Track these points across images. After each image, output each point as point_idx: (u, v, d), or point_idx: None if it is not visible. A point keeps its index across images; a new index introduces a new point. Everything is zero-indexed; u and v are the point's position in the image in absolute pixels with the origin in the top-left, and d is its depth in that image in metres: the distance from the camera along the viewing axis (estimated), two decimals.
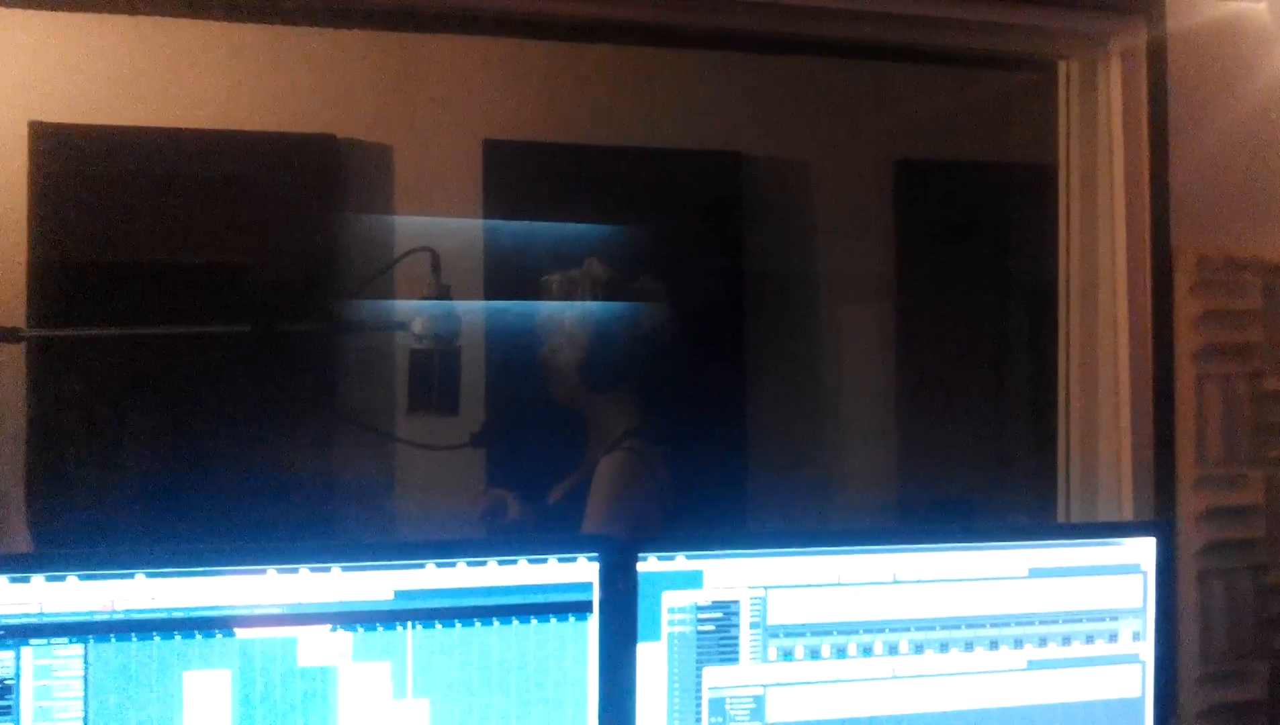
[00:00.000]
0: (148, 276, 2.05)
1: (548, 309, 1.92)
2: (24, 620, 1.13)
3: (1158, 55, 1.67)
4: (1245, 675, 1.67)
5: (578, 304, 1.86)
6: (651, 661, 1.29)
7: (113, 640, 1.15)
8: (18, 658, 1.13)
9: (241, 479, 2.00)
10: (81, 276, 2.03)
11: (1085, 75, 1.74)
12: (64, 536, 1.90)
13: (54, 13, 1.96)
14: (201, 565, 1.17)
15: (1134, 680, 1.40)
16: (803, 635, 1.32)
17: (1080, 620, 1.39)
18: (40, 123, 2.03)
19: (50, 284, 2.01)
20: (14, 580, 1.13)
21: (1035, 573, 1.38)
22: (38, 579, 1.13)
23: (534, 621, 1.25)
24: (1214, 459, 1.67)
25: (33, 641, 1.13)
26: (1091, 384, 1.73)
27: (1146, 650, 1.40)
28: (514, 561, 1.25)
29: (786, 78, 2.35)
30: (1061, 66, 1.78)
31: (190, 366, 2.01)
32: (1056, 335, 1.78)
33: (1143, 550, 1.40)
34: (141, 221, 2.07)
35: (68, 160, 2.04)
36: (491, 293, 2.19)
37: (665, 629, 1.29)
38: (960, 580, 1.36)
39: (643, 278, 1.91)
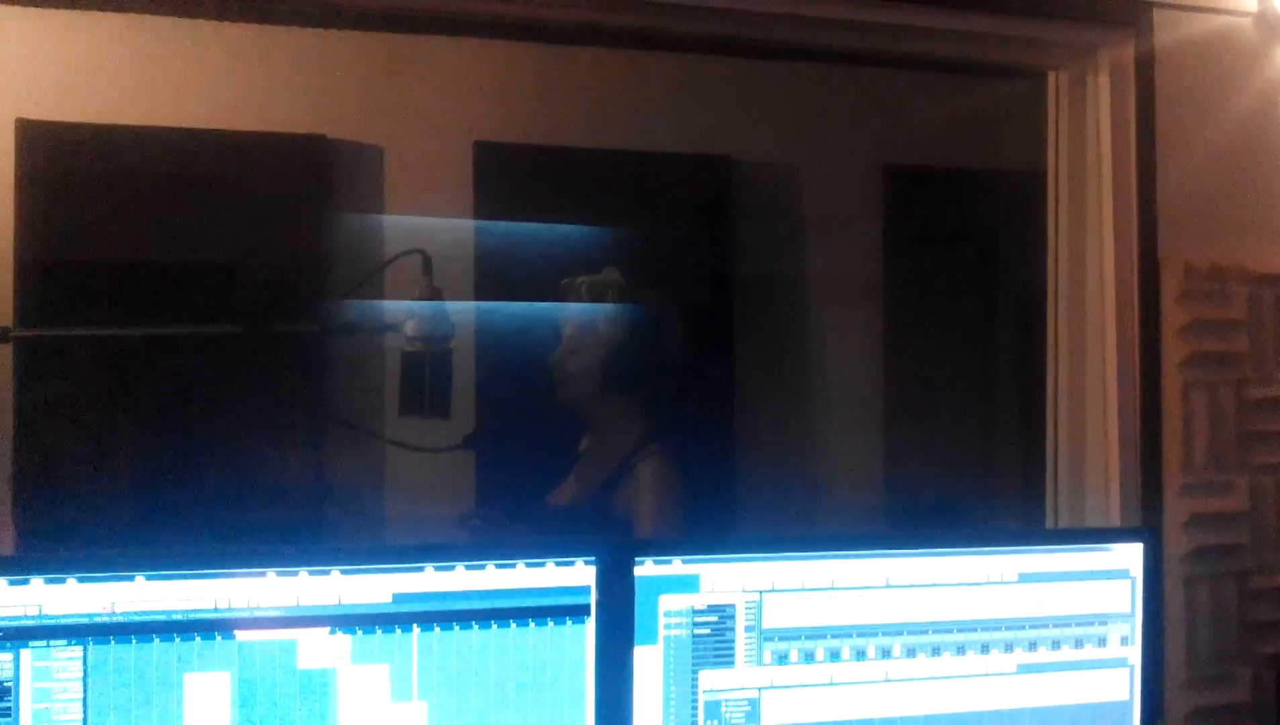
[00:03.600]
0: (137, 276, 2.04)
1: (545, 311, 1.93)
2: (23, 622, 1.13)
3: (1146, 67, 1.70)
4: (1230, 679, 1.70)
5: (576, 306, 1.87)
6: (648, 664, 1.29)
7: (112, 642, 1.14)
8: (16, 660, 1.12)
9: (231, 481, 1.99)
10: (70, 276, 2.01)
11: (1074, 86, 1.77)
12: (51, 538, 1.89)
13: (42, 10, 1.95)
14: (201, 568, 1.17)
15: (1122, 684, 1.42)
16: (797, 638, 1.33)
17: (1069, 624, 1.41)
18: (27, 120, 2.02)
19: (38, 283, 2.00)
20: (13, 583, 1.12)
21: (1025, 578, 1.40)
22: (37, 581, 1.13)
23: (532, 624, 1.26)
24: (1200, 466, 1.69)
25: (32, 643, 1.13)
26: (1079, 391, 1.75)
27: (1134, 654, 1.42)
28: (512, 565, 1.26)
29: (776, 82, 2.36)
30: (1051, 77, 1.80)
31: (180, 367, 2.00)
32: (1044, 342, 1.80)
33: (1130, 556, 1.43)
34: (130, 221, 2.05)
35: (55, 158, 2.03)
36: (482, 294, 2.19)
37: (662, 632, 1.30)
38: (952, 585, 1.38)
39: (649, 288, 1.93)
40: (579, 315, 1.87)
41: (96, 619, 1.14)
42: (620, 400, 1.85)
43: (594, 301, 1.87)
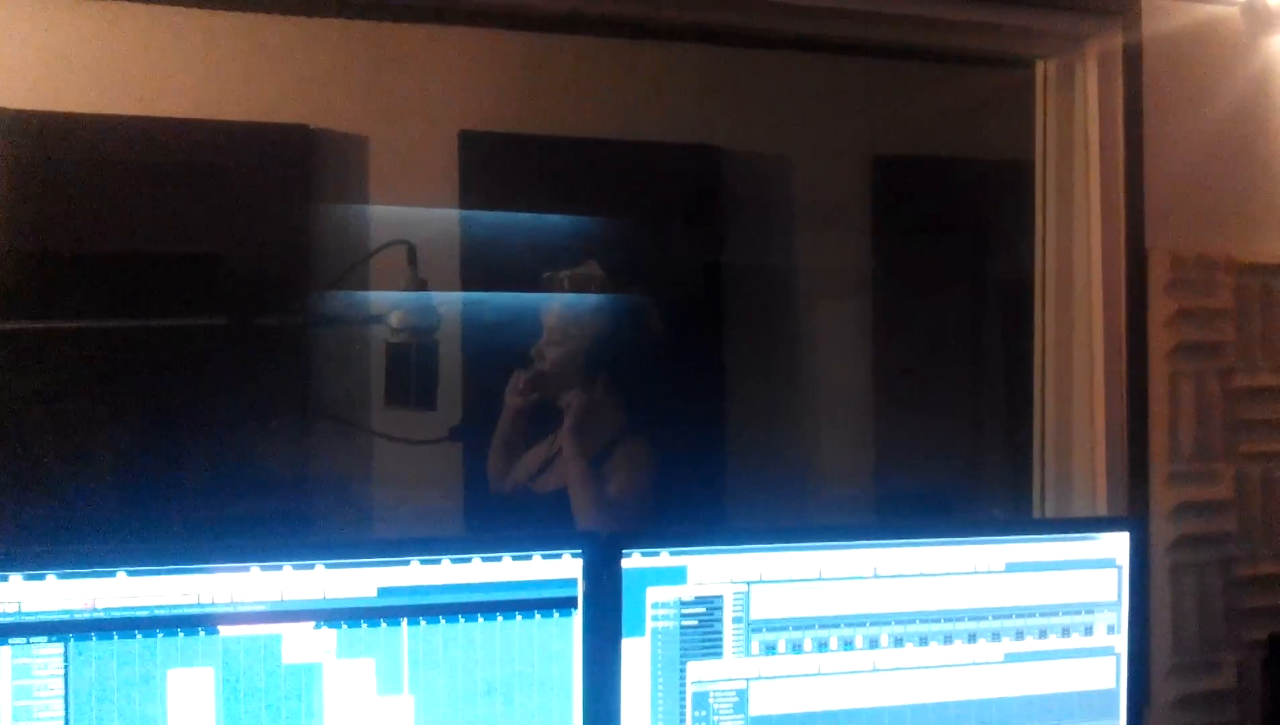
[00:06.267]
0: (118, 268, 2.02)
1: (528, 301, 1.92)
2: (2, 619, 1.11)
3: (1133, 57, 1.70)
4: (1216, 666, 1.71)
5: (557, 299, 1.86)
6: (636, 656, 1.29)
7: (94, 639, 1.13)
8: None
9: (216, 474, 1.98)
10: (49, 268, 1.99)
11: (1062, 76, 1.77)
12: (34, 533, 1.87)
13: None
14: (184, 563, 1.16)
15: (1108, 672, 1.43)
16: (785, 629, 1.33)
17: (1056, 614, 1.41)
18: (3, 109, 1.99)
19: (16, 276, 1.97)
20: None
21: (1012, 567, 1.40)
22: (16, 578, 1.12)
23: (519, 618, 1.25)
24: (1186, 455, 1.70)
25: (11, 641, 1.11)
26: (1067, 381, 1.75)
27: (1120, 643, 1.43)
28: (498, 558, 1.25)
29: (766, 72, 2.35)
30: (1039, 66, 1.80)
31: (164, 360, 1.98)
32: (1032, 332, 1.81)
33: (1117, 545, 1.43)
34: (111, 212, 2.03)
35: (33, 148, 2.00)
36: (468, 284, 2.17)
37: (649, 624, 1.29)
38: (939, 575, 1.38)
39: (630, 280, 1.94)
40: (560, 308, 1.87)
41: (77, 615, 1.13)
42: (600, 391, 1.85)
43: (576, 294, 1.87)
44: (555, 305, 1.88)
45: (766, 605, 1.32)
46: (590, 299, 1.87)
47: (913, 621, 1.37)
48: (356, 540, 1.49)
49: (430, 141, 2.20)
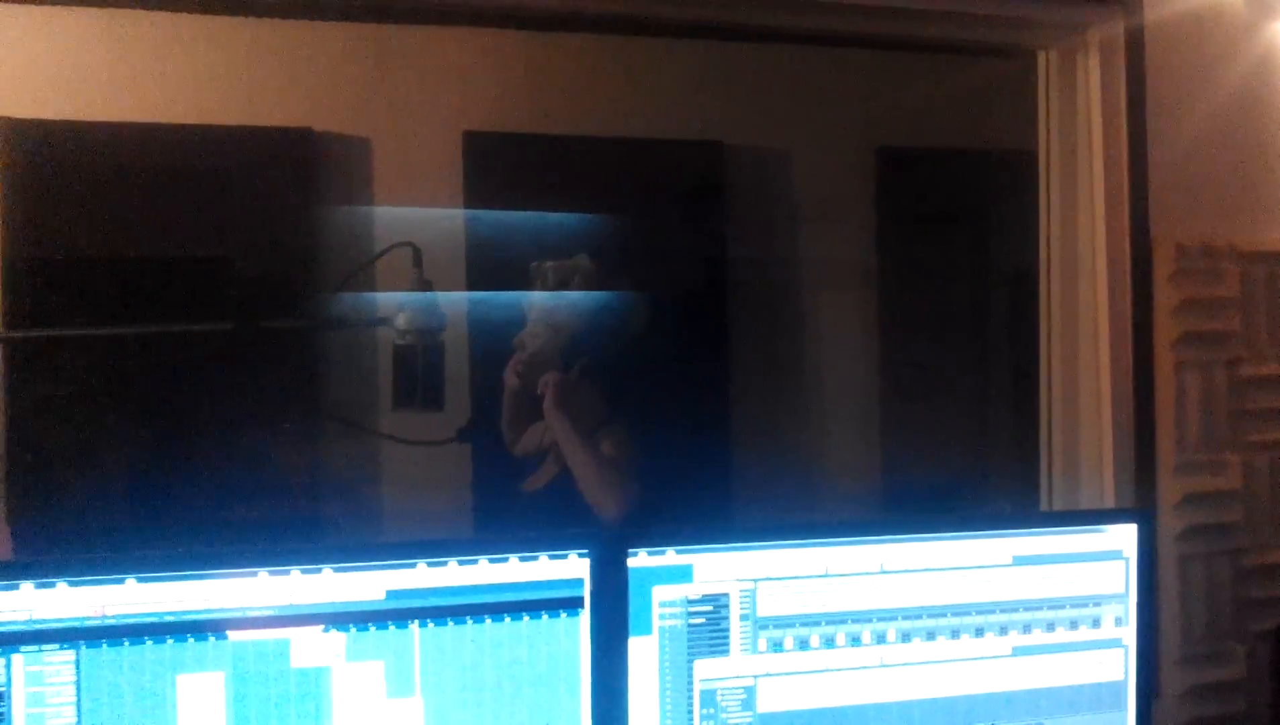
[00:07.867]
0: (125, 275, 2.03)
1: (533, 298, 1.93)
2: (14, 627, 1.13)
3: (1136, 45, 1.69)
4: (1224, 656, 1.70)
5: (565, 294, 1.87)
6: (643, 655, 1.30)
7: (104, 645, 1.14)
8: (8, 665, 1.12)
9: (225, 478, 1.98)
10: (57, 276, 2.00)
11: (1064, 65, 1.76)
12: (45, 540, 1.88)
13: (22, 5, 1.93)
14: (192, 568, 1.17)
15: (1117, 664, 1.42)
16: (792, 626, 1.33)
17: (1063, 606, 1.41)
18: (9, 119, 2.00)
19: (24, 284, 1.99)
20: (3, 587, 1.12)
21: (1019, 560, 1.40)
22: (27, 586, 1.13)
23: (526, 618, 1.26)
24: (1193, 445, 1.69)
25: (23, 649, 1.13)
26: (1072, 372, 1.75)
27: (1129, 634, 1.43)
28: (505, 559, 1.26)
29: (767, 66, 2.34)
30: (1041, 56, 1.79)
31: (171, 365, 1.99)
32: (1038, 323, 1.80)
33: (1124, 537, 1.43)
34: (117, 219, 2.04)
35: (39, 157, 2.01)
36: (474, 284, 2.18)
37: (656, 623, 1.30)
38: (946, 569, 1.38)
39: (621, 274, 1.94)
40: (541, 299, 1.87)
41: (88, 622, 1.14)
42: (579, 384, 1.85)
43: (559, 287, 1.87)
44: (537, 297, 1.88)
45: (773, 602, 1.33)
46: (573, 293, 1.87)
47: (920, 616, 1.37)
48: (363, 543, 1.49)
49: (434, 142, 2.20)
